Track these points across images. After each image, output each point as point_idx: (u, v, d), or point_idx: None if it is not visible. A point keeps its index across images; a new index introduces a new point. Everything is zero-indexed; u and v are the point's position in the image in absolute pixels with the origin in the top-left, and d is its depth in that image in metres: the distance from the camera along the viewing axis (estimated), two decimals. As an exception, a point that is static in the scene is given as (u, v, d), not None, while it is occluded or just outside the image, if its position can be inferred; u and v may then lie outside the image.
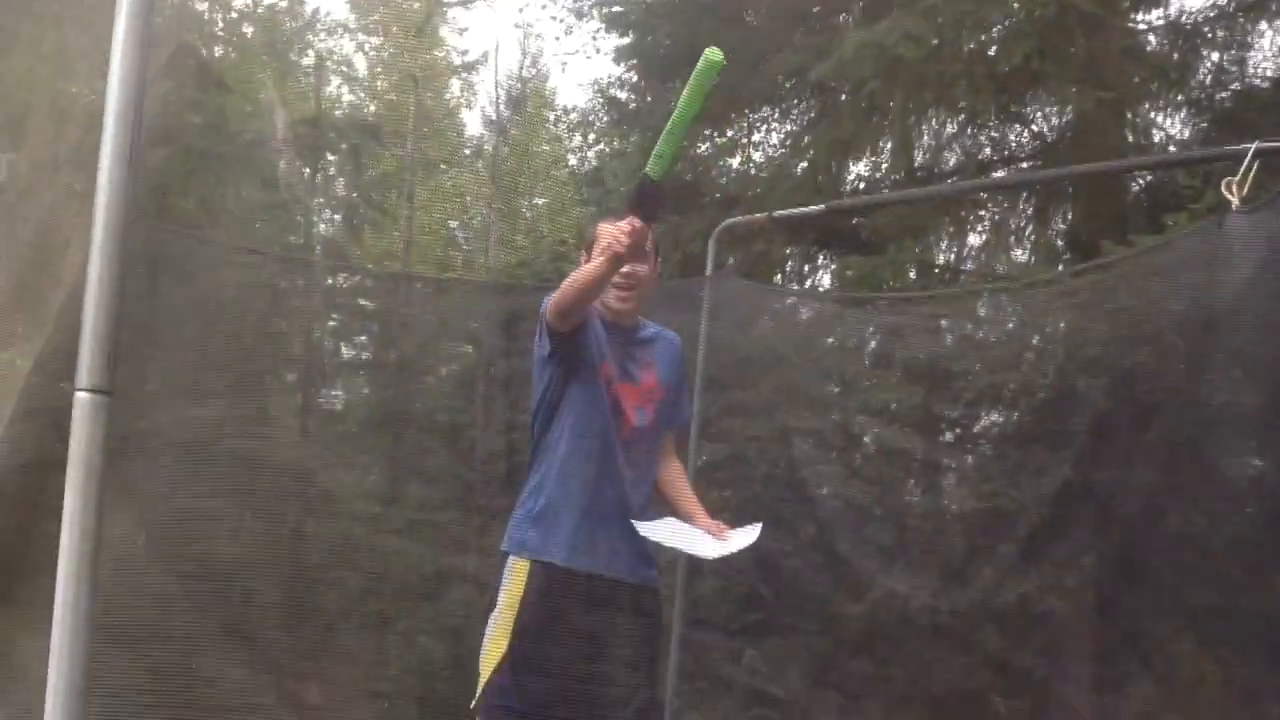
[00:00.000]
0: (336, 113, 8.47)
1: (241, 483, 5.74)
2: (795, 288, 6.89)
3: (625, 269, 3.47)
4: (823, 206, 5.69)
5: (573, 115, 12.30)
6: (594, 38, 11.50)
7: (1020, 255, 7.69)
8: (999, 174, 8.26)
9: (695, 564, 5.92)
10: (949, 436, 6.59)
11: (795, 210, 5.72)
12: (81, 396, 2.13)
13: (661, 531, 3.58)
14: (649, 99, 8.82)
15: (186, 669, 5.09)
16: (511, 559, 3.58)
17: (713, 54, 2.95)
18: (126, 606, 4.65)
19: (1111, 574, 6.07)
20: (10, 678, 4.80)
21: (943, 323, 5.87)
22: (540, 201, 19.35)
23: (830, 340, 6.18)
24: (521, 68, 20.36)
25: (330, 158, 8.02)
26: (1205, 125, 7.37)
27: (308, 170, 7.69)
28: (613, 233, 3.26)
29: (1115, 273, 5.28)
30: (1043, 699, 6.55)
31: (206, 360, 5.63)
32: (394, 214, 9.99)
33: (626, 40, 9.02)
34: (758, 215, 5.71)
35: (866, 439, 6.51)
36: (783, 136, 9.16)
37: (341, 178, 8.78)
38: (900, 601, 6.40)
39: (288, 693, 5.74)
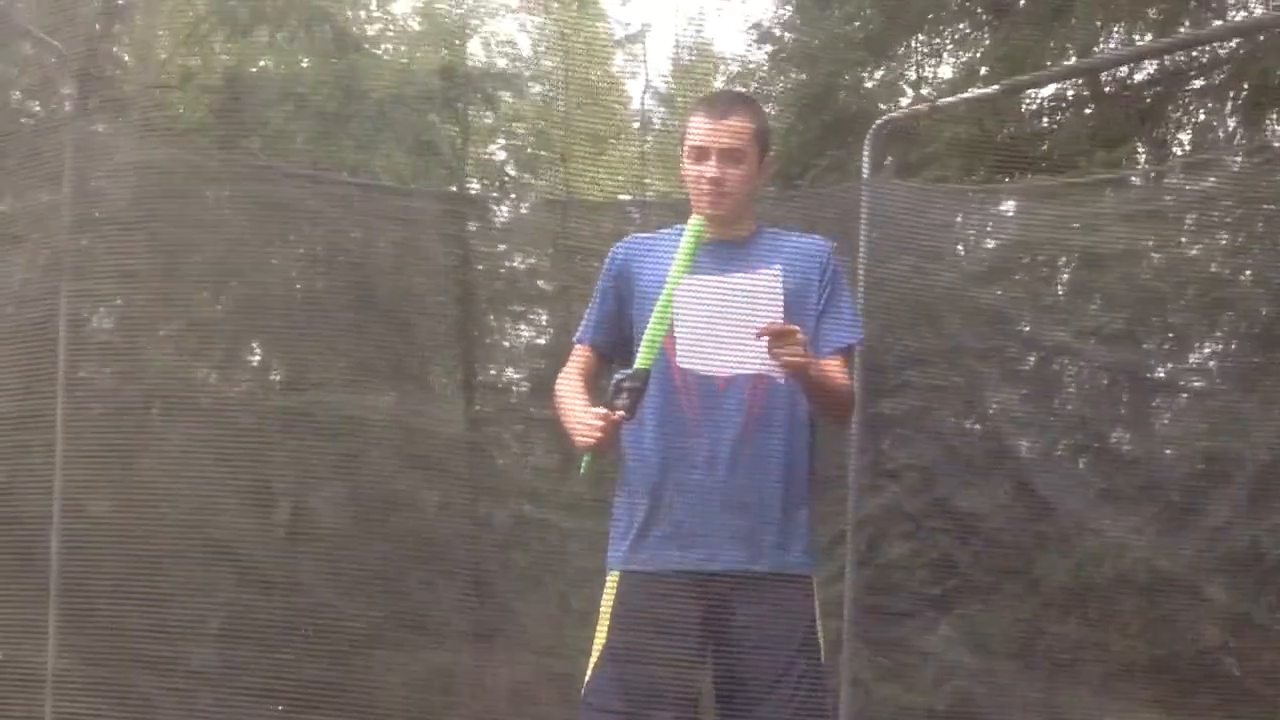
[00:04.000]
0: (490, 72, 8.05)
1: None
2: (980, 186, 5.87)
3: (711, 173, 3.04)
4: (996, 88, 4.94)
5: (733, 66, 11.74)
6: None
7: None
8: (1197, 84, 7.38)
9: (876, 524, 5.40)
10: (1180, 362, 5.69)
11: (963, 95, 5.01)
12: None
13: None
14: (799, 21, 8.25)
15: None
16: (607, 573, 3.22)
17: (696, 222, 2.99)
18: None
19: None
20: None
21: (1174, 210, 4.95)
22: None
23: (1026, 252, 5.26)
24: (682, 35, 19.90)
25: (486, 119, 7.63)
26: None
27: (456, 130, 7.33)
28: (583, 428, 2.97)
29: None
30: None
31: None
32: (550, 180, 9.64)
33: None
34: (918, 105, 4.94)
35: (1072, 371, 5.73)
36: (952, 66, 8.49)
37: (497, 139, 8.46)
38: (1114, 554, 5.78)
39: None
